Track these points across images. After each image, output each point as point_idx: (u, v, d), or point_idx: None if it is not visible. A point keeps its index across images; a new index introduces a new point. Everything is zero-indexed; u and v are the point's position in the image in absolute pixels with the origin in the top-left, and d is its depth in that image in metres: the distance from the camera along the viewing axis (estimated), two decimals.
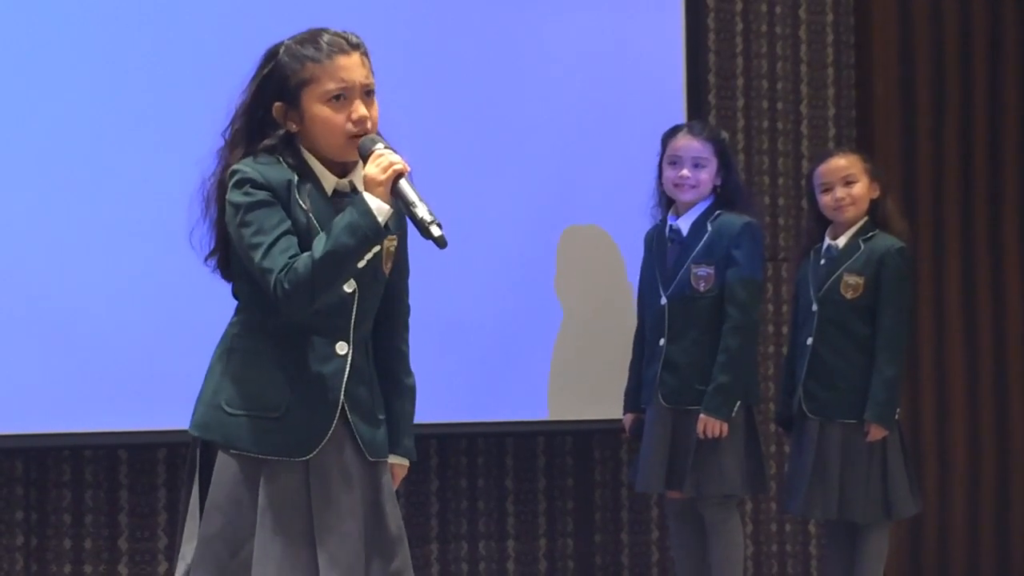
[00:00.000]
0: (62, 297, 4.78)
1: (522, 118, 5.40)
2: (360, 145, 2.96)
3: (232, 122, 3.03)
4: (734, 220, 4.87)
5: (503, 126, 5.36)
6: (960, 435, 6.22)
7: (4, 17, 4.81)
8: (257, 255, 2.88)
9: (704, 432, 4.76)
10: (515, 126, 5.38)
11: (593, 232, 5.51)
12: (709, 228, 4.88)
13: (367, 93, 3.03)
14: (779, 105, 6.01)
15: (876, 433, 4.81)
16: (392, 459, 3.11)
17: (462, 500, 5.50)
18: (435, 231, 2.83)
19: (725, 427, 4.76)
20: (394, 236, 3.04)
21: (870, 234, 4.91)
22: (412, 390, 3.16)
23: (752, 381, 4.93)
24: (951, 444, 6.21)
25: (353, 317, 3.00)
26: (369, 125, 3.00)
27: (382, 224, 2.86)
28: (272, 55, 3.03)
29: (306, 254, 2.87)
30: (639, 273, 5.10)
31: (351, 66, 3.01)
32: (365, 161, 2.94)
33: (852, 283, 4.88)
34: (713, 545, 4.87)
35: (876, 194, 4.97)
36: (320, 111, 2.98)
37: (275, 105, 3.00)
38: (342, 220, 2.87)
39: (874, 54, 6.12)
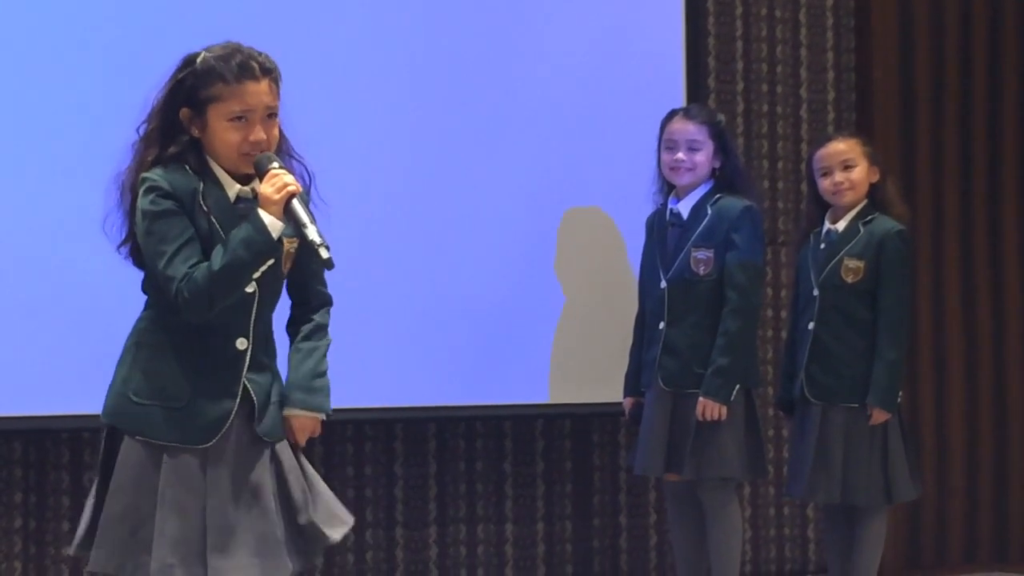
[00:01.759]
0: (61, 280, 4.78)
1: (523, 102, 5.38)
2: (256, 162, 3.14)
3: (148, 120, 3.21)
4: (734, 203, 4.86)
5: (504, 111, 5.35)
6: (958, 420, 6.22)
7: (9, 14, 4.80)
8: (160, 263, 3.11)
9: (703, 415, 4.76)
10: (516, 111, 5.37)
11: (593, 216, 5.50)
12: (709, 211, 4.86)
13: (269, 115, 3.18)
14: (779, 89, 6.00)
15: (879, 417, 4.80)
16: (285, 411, 3.28)
17: (460, 483, 5.50)
18: (323, 253, 3.05)
19: (724, 410, 4.75)
20: (293, 238, 3.20)
21: (869, 217, 4.90)
22: (322, 348, 3.32)
23: (752, 364, 4.92)
24: (950, 429, 6.21)
25: (253, 314, 3.20)
26: (262, 148, 3.16)
27: (275, 239, 3.07)
28: (188, 63, 3.19)
29: (205, 264, 3.08)
30: (640, 258, 5.10)
31: (258, 91, 3.16)
32: (261, 177, 3.12)
33: (852, 267, 4.87)
34: (711, 528, 4.86)
35: (876, 178, 4.96)
36: (221, 128, 3.15)
37: (182, 110, 3.17)
38: (238, 234, 3.08)
39: (874, 38, 6.11)
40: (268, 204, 3.08)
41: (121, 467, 3.17)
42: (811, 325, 4.91)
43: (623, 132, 5.45)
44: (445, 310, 5.24)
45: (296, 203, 3.08)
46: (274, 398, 3.25)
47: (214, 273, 3.06)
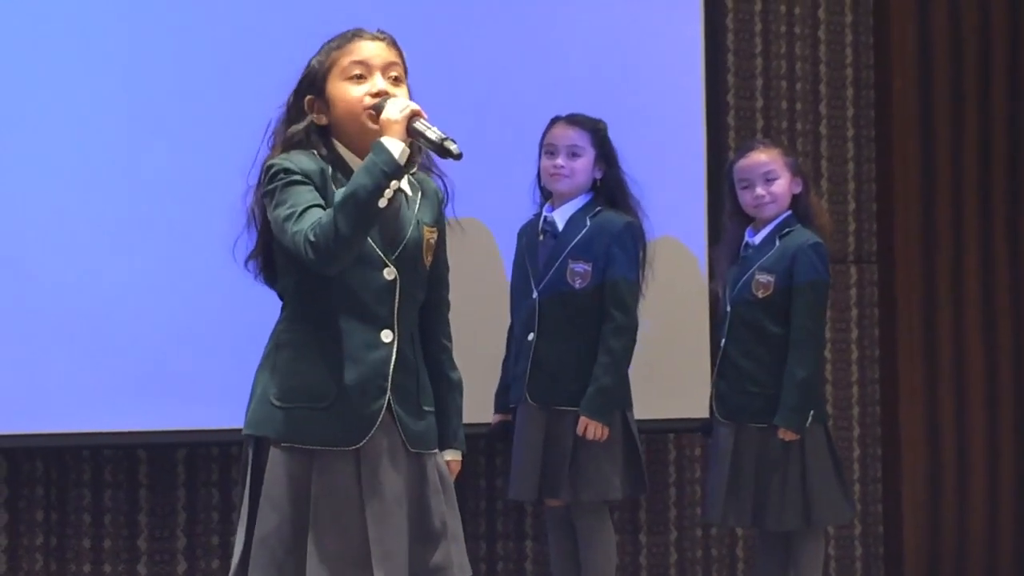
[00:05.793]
0: (82, 297, 4.79)
1: (539, 118, 5.36)
2: (377, 109, 2.99)
3: (274, 131, 3.09)
4: (615, 218, 4.69)
5: (520, 127, 5.32)
6: (979, 434, 6.21)
7: (26, 14, 4.82)
8: (289, 224, 2.91)
9: (586, 434, 4.59)
10: (532, 126, 5.34)
11: None
12: (588, 223, 4.69)
13: (394, 79, 3.07)
14: (798, 105, 6.00)
15: (786, 437, 4.62)
16: (449, 454, 3.15)
17: (480, 500, 5.50)
18: (453, 148, 2.91)
19: (607, 430, 4.60)
20: (433, 228, 3.09)
21: (787, 230, 4.72)
22: (459, 384, 3.20)
23: (628, 384, 4.73)
24: (970, 440, 6.20)
25: (396, 304, 3.02)
26: None
27: (398, 158, 2.89)
28: (308, 63, 3.10)
29: (331, 209, 2.90)
30: (511, 269, 4.91)
31: (371, 47, 3.06)
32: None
33: (764, 281, 4.68)
34: (586, 554, 4.70)
35: (798, 189, 4.78)
36: (341, 90, 3.04)
37: (306, 99, 3.07)
38: (360, 167, 2.92)
39: (892, 54, 6.11)
40: (389, 125, 2.92)
41: (270, 481, 2.96)
42: (723, 342, 4.75)
43: (641, 149, 5.40)
44: (459, 330, 5.22)
45: (420, 123, 2.93)
46: (427, 406, 3.07)
47: (337, 205, 2.86)
